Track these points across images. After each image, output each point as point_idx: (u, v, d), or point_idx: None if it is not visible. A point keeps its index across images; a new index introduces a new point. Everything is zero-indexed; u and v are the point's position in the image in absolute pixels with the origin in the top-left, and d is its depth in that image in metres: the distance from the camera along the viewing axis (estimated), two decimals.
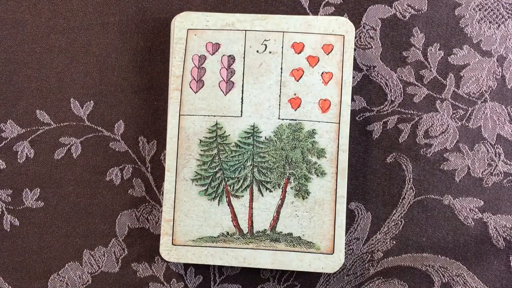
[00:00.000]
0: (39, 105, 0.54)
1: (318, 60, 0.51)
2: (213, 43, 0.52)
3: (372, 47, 0.54)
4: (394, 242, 0.53)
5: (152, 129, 0.54)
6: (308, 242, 0.50)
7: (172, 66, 0.52)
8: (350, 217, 0.53)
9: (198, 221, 0.50)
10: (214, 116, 0.51)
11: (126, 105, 0.54)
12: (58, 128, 0.54)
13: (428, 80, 0.53)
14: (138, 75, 0.54)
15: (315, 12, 0.54)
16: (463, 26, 0.54)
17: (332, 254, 0.50)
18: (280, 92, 0.51)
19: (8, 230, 0.54)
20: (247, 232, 0.50)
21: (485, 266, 0.52)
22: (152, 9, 0.55)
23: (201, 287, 0.53)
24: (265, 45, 0.51)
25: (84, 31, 0.55)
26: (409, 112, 0.53)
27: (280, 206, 0.50)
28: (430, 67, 0.54)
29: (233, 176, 0.51)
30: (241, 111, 0.51)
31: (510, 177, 0.53)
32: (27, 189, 0.54)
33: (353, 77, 0.53)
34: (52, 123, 0.54)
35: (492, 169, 0.53)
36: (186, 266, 0.53)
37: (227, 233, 0.50)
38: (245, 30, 0.52)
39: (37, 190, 0.54)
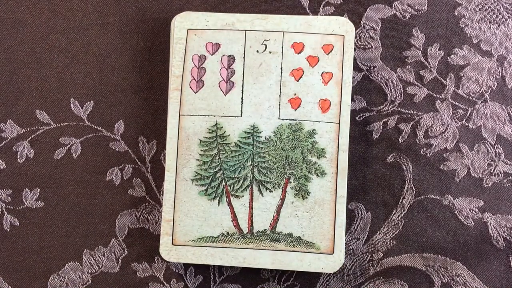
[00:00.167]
0: (39, 105, 0.54)
1: (318, 60, 0.51)
2: (213, 43, 0.52)
3: (372, 47, 0.54)
4: (394, 242, 0.53)
5: (152, 129, 0.54)
6: (308, 242, 0.50)
7: (172, 66, 0.52)
8: (350, 217, 0.53)
9: (198, 221, 0.50)
10: (214, 116, 0.51)
11: (126, 105, 0.54)
12: (58, 128, 0.54)
13: (428, 80, 0.53)
14: (138, 75, 0.54)
15: (315, 12, 0.54)
16: (463, 26, 0.54)
17: (332, 254, 0.50)
18: (280, 92, 0.51)
19: (8, 230, 0.54)
20: (247, 232, 0.50)
21: (485, 266, 0.52)
22: (152, 9, 0.55)
23: (201, 287, 0.53)
24: (265, 45, 0.51)
25: (84, 31, 0.55)
26: (409, 112, 0.53)
27: (280, 206, 0.50)
28: (430, 67, 0.54)
29: (233, 176, 0.51)
30: (241, 111, 0.51)
31: (510, 177, 0.53)
32: (27, 189, 0.54)
33: (353, 77, 0.53)
34: (52, 123, 0.54)
35: (492, 169, 0.53)
36: (186, 266, 0.53)
37: (227, 233, 0.50)
38: (245, 30, 0.52)
39: (37, 190, 0.54)
